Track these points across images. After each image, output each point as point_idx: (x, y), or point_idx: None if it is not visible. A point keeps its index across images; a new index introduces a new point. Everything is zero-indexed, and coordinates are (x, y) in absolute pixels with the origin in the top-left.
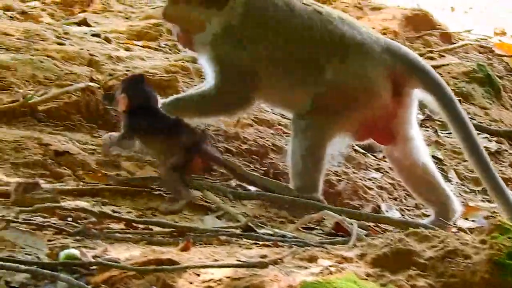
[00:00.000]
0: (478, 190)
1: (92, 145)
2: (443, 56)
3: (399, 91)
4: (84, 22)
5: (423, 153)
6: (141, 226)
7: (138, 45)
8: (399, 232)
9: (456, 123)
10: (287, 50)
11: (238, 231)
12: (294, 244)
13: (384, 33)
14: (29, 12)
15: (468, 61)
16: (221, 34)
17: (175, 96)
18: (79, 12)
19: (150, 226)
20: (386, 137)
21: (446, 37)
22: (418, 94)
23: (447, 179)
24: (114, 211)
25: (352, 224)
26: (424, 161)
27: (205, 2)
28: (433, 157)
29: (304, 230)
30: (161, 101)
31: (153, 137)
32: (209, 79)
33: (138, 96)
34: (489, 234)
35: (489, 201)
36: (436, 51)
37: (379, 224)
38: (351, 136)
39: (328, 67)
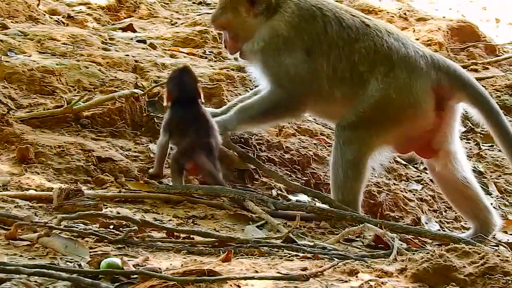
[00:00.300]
0: None
1: (135, 151)
2: (487, 68)
3: (443, 105)
4: (130, 28)
5: (464, 167)
6: (182, 235)
7: (183, 52)
8: (439, 246)
9: (502, 137)
10: (333, 62)
11: (279, 242)
12: (335, 257)
13: (429, 44)
14: (75, 17)
15: (511, 73)
16: (269, 42)
17: (233, 110)
18: (125, 18)
19: (191, 236)
20: (429, 150)
21: (491, 49)
22: (463, 107)
23: (488, 192)
24: (155, 219)
25: (393, 239)
26: (465, 175)
27: (253, 11)
28: (474, 170)
29: (345, 242)
30: (218, 119)
31: (180, 132)
32: (263, 86)
33: (176, 90)
34: None
35: None
36: (480, 63)
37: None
38: (394, 149)
39: (372, 80)
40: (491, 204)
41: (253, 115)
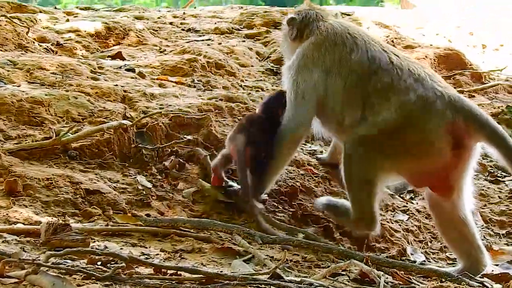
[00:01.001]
0: (503, 234)
1: (123, 183)
2: (473, 96)
3: (461, 145)
4: (119, 56)
5: (467, 206)
6: (169, 271)
7: (172, 81)
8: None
9: None
10: (348, 86)
11: (266, 278)
12: None
13: None
14: (64, 44)
15: (497, 101)
16: (295, 60)
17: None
18: (114, 45)
19: (179, 272)
20: (444, 188)
21: (477, 76)
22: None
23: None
24: (143, 253)
25: (379, 277)
26: (465, 213)
27: (292, 36)
28: None
29: (331, 278)
30: None
31: None
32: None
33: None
34: None
35: None
36: (466, 91)
37: None
38: (407, 181)
39: (385, 111)
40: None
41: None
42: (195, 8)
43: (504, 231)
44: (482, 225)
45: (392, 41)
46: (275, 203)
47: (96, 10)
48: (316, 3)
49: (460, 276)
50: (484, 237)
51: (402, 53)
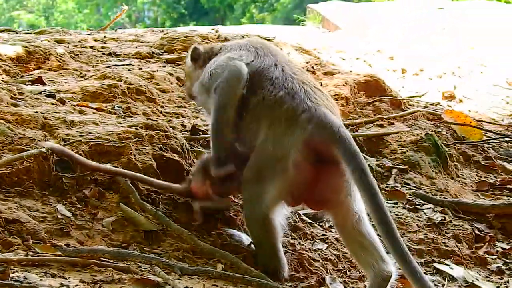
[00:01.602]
0: (421, 263)
1: (42, 212)
2: (393, 123)
3: (324, 159)
4: (39, 81)
5: (361, 218)
6: None
7: (93, 108)
8: None
9: (366, 197)
10: (239, 110)
11: None
12: None
13: (336, 99)
14: None
15: (417, 128)
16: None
17: None
18: (35, 69)
19: None
20: (314, 202)
21: (396, 103)
22: None
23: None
24: (62, 284)
25: None
26: (360, 226)
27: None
28: None
29: None
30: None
31: None
32: None
33: None
34: None
35: (431, 274)
36: (385, 118)
37: None
38: (286, 203)
39: (260, 133)
40: (395, 262)
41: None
42: (115, 30)
43: (422, 260)
44: None
45: (312, 67)
46: (194, 232)
47: (16, 33)
48: (238, 14)
49: None
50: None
51: (293, 65)
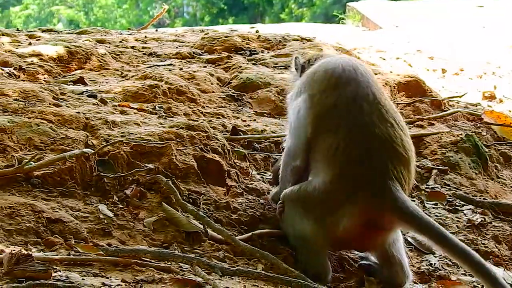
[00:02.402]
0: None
1: (84, 212)
2: (433, 124)
3: (376, 226)
4: (80, 81)
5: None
6: None
7: (134, 108)
8: None
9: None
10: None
11: None
12: None
13: None
14: (27, 69)
15: (456, 129)
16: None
17: None
18: (76, 69)
19: None
20: (363, 249)
21: (437, 104)
22: None
23: (431, 251)
24: (104, 284)
25: None
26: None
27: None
28: None
29: None
30: None
31: None
32: None
33: None
34: None
35: (471, 275)
36: (425, 119)
37: None
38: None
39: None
40: (434, 264)
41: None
42: (156, 30)
43: None
44: (440, 255)
45: None
46: (235, 233)
47: (58, 33)
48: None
49: None
50: (442, 267)
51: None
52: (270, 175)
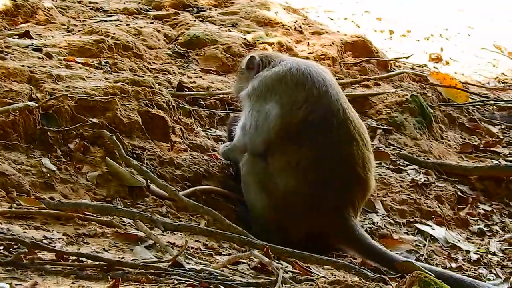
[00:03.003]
0: (403, 223)
1: (27, 165)
2: (378, 84)
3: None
4: (26, 34)
5: None
6: (72, 257)
7: (79, 63)
8: (323, 278)
9: None
10: None
11: (167, 266)
12: (221, 284)
13: (323, 59)
14: None
15: (402, 90)
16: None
17: None
18: (22, 23)
19: (81, 258)
20: None
21: (383, 64)
22: None
23: (374, 210)
24: (45, 237)
25: (278, 269)
26: None
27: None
28: None
29: (231, 267)
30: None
31: None
32: None
33: None
34: (409, 286)
35: (413, 234)
36: (371, 79)
37: None
38: None
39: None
40: (377, 222)
41: None
42: None
43: (404, 220)
44: (383, 214)
45: (300, 26)
46: (179, 189)
47: None
48: None
49: (358, 267)
50: (385, 225)
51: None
52: (214, 131)
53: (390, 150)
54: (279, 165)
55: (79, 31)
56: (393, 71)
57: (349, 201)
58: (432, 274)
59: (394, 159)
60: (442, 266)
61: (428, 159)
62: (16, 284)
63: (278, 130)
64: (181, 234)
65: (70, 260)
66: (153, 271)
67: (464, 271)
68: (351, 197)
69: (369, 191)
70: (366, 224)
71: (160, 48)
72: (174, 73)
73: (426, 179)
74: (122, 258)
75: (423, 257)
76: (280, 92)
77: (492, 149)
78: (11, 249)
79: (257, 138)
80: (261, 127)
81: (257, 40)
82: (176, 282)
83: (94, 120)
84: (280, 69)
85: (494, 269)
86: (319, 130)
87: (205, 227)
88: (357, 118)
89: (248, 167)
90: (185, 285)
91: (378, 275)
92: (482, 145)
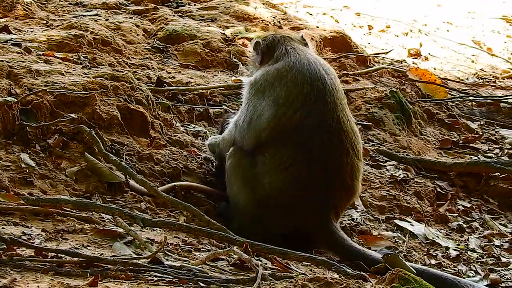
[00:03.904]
0: (382, 219)
1: (6, 161)
2: (358, 80)
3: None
4: (5, 29)
5: None
6: (50, 253)
7: (58, 58)
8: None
9: None
10: None
11: (146, 263)
12: (200, 281)
13: None
14: None
15: (381, 85)
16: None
17: None
18: (0, 17)
19: (60, 254)
20: None
21: (362, 60)
22: None
23: (353, 206)
24: (24, 233)
25: (258, 266)
26: None
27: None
28: None
29: (210, 263)
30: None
31: None
32: None
33: None
34: (389, 284)
35: (392, 230)
36: (351, 75)
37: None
38: None
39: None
40: (356, 219)
41: None
42: None
43: (383, 216)
44: (363, 210)
45: (279, 21)
46: (158, 184)
47: None
48: None
49: (338, 264)
50: (364, 222)
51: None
52: (193, 127)
53: (370, 146)
54: (268, 163)
55: (58, 26)
56: (372, 66)
57: (331, 206)
58: (414, 271)
59: (374, 155)
60: (421, 263)
61: (407, 155)
62: None
63: (271, 131)
64: (160, 230)
65: (49, 257)
66: (132, 267)
67: (444, 268)
68: (335, 202)
69: (354, 197)
70: (345, 221)
71: (139, 43)
72: (153, 68)
73: (406, 175)
74: (101, 254)
75: (403, 253)
76: (279, 90)
77: (471, 145)
78: None
79: (249, 134)
80: (254, 124)
81: (237, 35)
82: (155, 278)
83: (73, 115)
84: (283, 67)
85: (474, 266)
86: (311, 136)
87: (184, 223)
88: (351, 126)
89: (234, 161)
90: (165, 281)
91: (358, 272)
92: (461, 141)
